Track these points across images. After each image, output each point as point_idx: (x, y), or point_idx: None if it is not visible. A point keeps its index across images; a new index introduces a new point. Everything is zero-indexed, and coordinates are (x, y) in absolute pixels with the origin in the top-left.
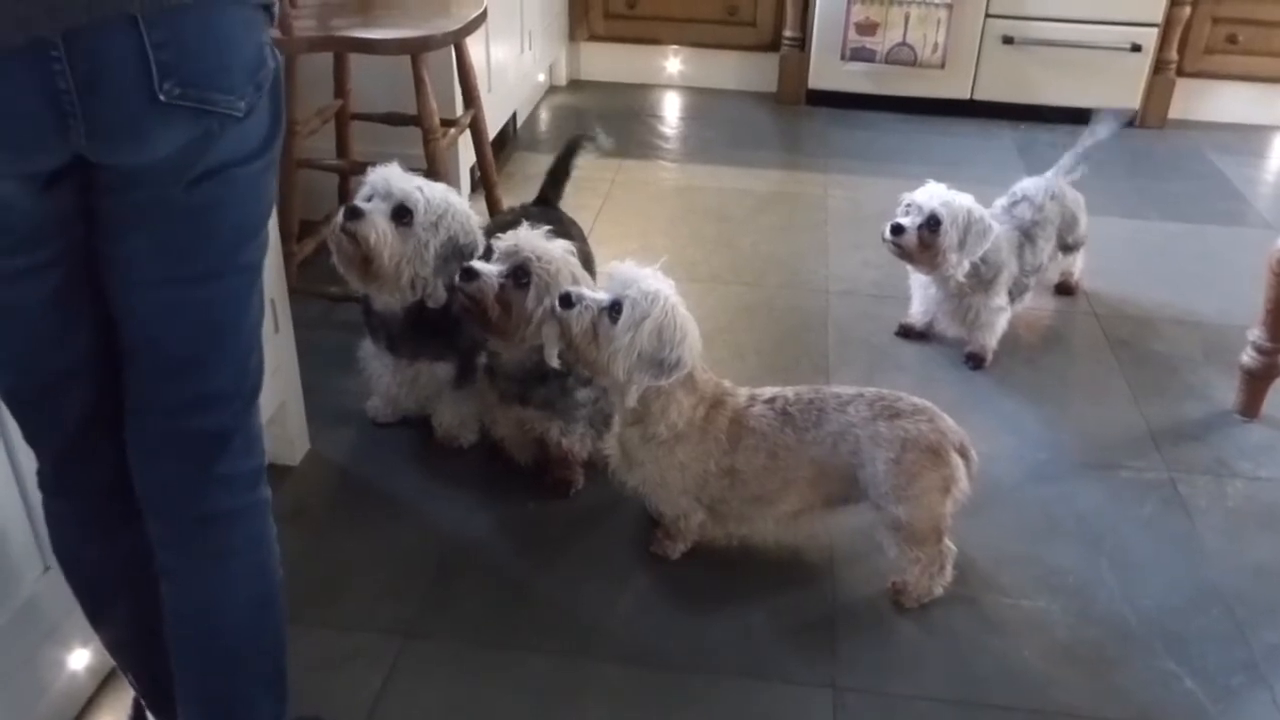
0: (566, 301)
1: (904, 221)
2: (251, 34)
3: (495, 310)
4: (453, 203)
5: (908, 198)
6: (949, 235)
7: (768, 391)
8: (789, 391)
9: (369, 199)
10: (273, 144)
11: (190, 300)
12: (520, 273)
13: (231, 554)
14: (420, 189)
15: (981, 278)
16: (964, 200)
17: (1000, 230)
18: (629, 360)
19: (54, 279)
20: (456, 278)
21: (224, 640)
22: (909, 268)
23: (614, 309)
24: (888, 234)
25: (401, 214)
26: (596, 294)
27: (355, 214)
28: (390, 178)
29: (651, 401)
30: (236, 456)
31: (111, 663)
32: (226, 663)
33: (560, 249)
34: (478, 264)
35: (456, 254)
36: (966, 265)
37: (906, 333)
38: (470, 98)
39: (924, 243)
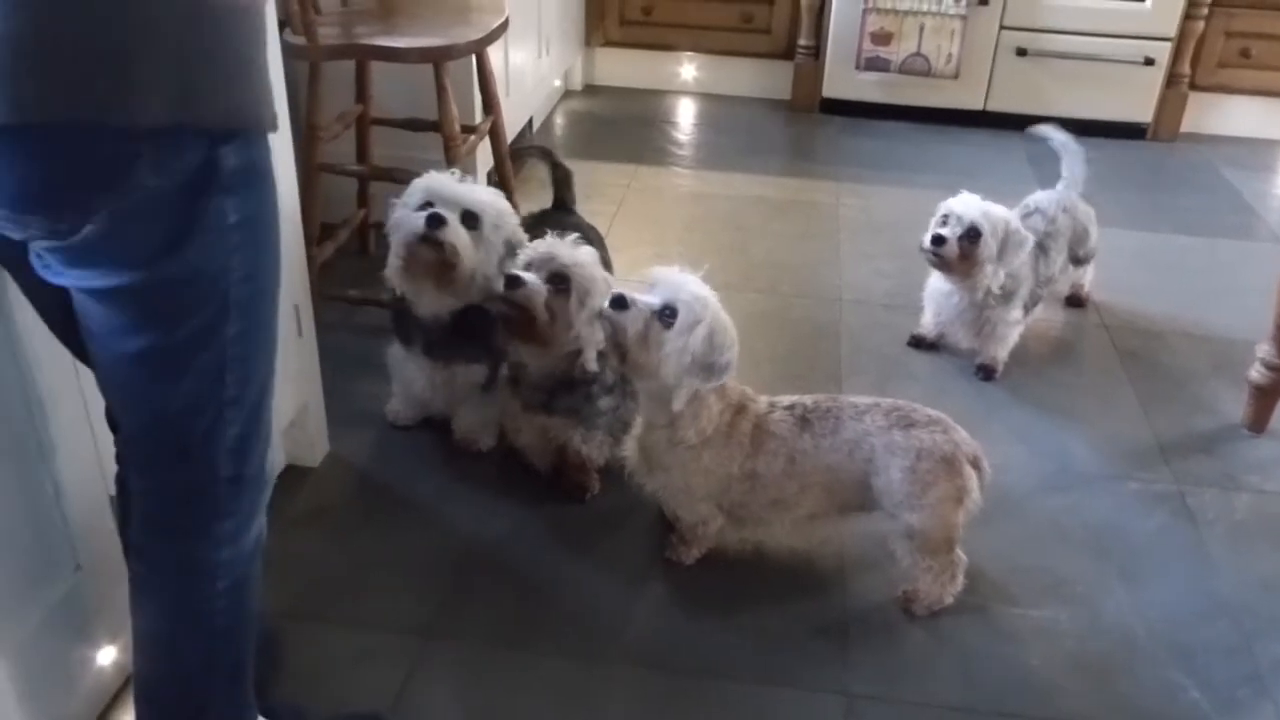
0: (620, 303)
1: (945, 232)
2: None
3: (544, 316)
4: (503, 203)
5: (945, 207)
6: (989, 246)
7: (786, 399)
8: (807, 399)
9: (425, 205)
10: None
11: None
12: (559, 279)
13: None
14: (475, 193)
15: (1005, 290)
16: (1002, 211)
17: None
18: (680, 364)
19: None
20: (500, 285)
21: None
22: (932, 277)
23: (665, 313)
24: (928, 244)
25: (469, 219)
26: (646, 297)
27: (439, 221)
28: (446, 184)
29: (685, 406)
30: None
31: None
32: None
33: (591, 256)
34: (520, 272)
35: (510, 252)
36: (1001, 276)
37: (918, 343)
38: (490, 105)
39: (963, 253)
